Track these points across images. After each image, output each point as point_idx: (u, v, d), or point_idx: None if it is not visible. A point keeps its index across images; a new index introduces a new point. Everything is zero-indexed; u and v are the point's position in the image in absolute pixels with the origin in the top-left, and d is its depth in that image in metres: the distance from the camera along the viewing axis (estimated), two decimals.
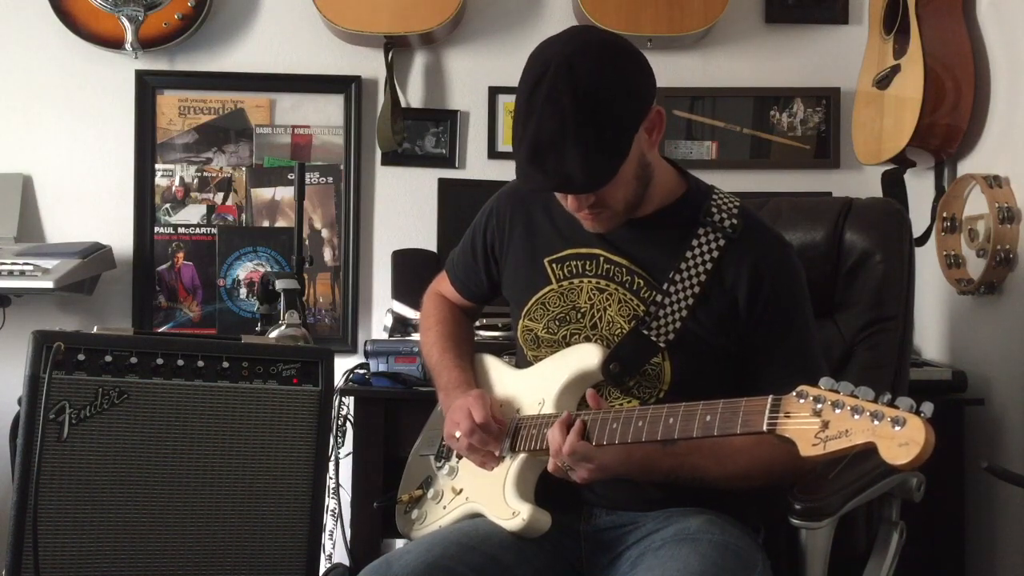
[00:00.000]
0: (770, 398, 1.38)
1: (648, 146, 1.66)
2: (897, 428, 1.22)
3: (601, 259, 1.75)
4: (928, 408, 1.23)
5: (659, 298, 1.68)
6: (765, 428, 1.36)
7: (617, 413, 1.58)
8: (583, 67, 1.57)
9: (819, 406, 1.30)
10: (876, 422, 1.24)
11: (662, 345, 1.68)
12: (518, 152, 1.60)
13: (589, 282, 1.75)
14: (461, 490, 1.81)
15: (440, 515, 1.82)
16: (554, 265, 1.79)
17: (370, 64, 3.23)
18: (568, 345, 1.76)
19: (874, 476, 1.69)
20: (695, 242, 1.70)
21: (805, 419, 1.31)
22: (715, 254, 1.69)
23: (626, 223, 1.72)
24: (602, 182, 1.60)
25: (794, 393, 1.34)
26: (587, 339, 1.74)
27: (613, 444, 1.56)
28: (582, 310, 1.75)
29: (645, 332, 1.68)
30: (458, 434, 1.75)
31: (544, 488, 1.71)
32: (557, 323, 1.77)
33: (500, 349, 2.20)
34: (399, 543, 2.02)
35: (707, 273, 1.68)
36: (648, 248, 1.72)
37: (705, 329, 1.69)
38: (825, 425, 1.29)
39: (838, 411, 1.28)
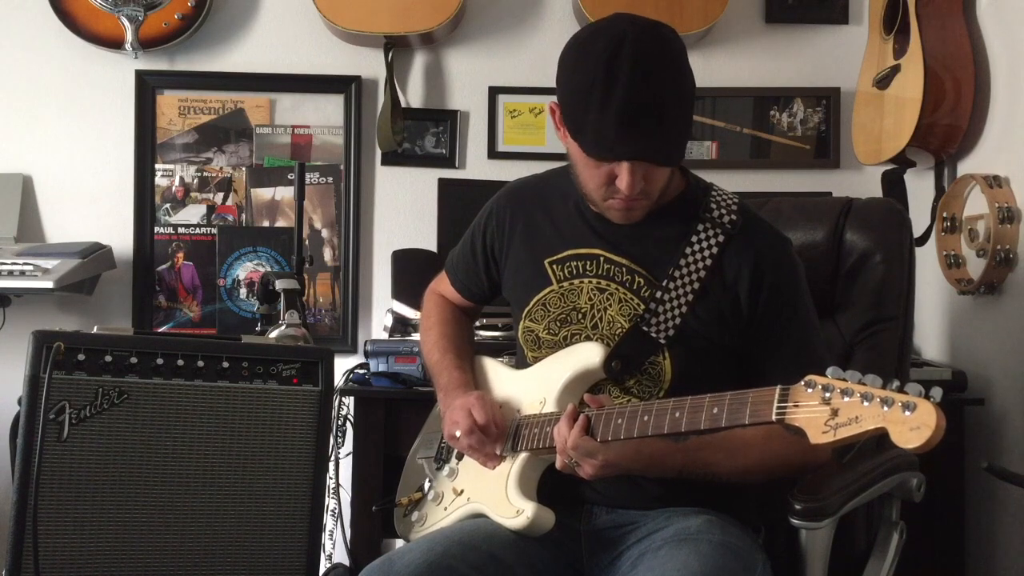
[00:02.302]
0: (778, 388, 1.37)
1: None
2: (908, 413, 1.22)
3: (601, 259, 1.75)
4: (937, 393, 1.24)
5: (659, 295, 1.69)
6: (774, 418, 1.36)
7: (622, 408, 1.58)
8: (667, 38, 1.58)
9: (828, 394, 1.30)
10: (886, 408, 1.24)
11: (662, 342, 1.68)
12: (602, 118, 1.54)
13: (590, 282, 1.75)
14: (462, 491, 1.81)
15: (441, 516, 1.82)
16: (554, 266, 1.79)
17: (370, 64, 3.23)
18: (569, 346, 1.76)
19: (874, 476, 1.69)
20: (695, 238, 1.70)
21: (814, 407, 1.31)
22: (714, 250, 1.69)
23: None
24: (681, 156, 1.62)
25: (802, 383, 1.34)
26: (588, 339, 1.74)
27: (618, 440, 1.56)
28: (583, 311, 1.75)
29: (645, 329, 1.68)
30: (458, 433, 1.75)
31: (545, 487, 1.71)
32: (558, 324, 1.77)
33: (500, 349, 2.20)
34: (399, 543, 2.02)
35: (707, 269, 1.69)
36: (648, 246, 1.73)
37: (705, 325, 1.69)
38: (835, 413, 1.29)
39: (847, 399, 1.28)
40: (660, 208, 1.72)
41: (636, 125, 1.54)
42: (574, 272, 1.77)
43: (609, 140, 1.55)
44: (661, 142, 1.56)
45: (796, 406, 1.34)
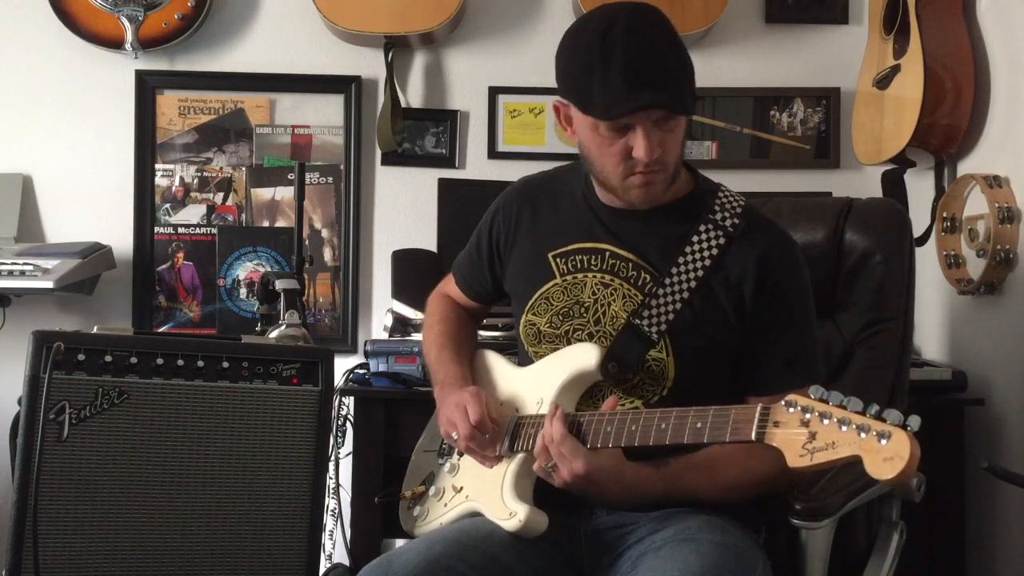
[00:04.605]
0: (759, 407, 1.38)
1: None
2: (883, 442, 1.21)
3: (607, 253, 1.75)
4: (915, 422, 1.22)
5: (656, 290, 1.69)
6: (754, 437, 1.37)
7: (611, 416, 1.58)
8: (657, 12, 1.64)
9: (807, 416, 1.30)
10: (862, 435, 1.23)
11: (655, 337, 1.68)
12: (606, 84, 1.58)
13: (594, 276, 1.75)
14: (461, 488, 1.81)
15: (441, 512, 1.82)
16: (558, 259, 1.79)
17: (370, 64, 3.23)
18: (570, 340, 1.76)
19: None
20: (695, 238, 1.71)
21: (793, 429, 1.31)
22: (714, 251, 1.70)
23: (634, 215, 1.73)
24: (692, 107, 1.63)
25: (783, 402, 1.34)
26: (590, 335, 1.74)
27: (607, 448, 1.56)
28: (585, 305, 1.75)
29: (636, 322, 1.68)
30: (455, 434, 1.75)
31: (545, 488, 1.70)
32: (560, 318, 1.77)
33: (500, 349, 2.20)
34: (399, 543, 2.02)
35: (705, 268, 1.69)
36: (654, 242, 1.73)
37: (706, 322, 1.69)
38: (812, 436, 1.28)
39: (825, 422, 1.28)
40: (669, 205, 1.74)
41: (641, 77, 1.58)
42: (578, 266, 1.77)
43: (620, 96, 1.59)
44: (670, 89, 1.60)
45: (776, 426, 1.34)
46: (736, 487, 1.65)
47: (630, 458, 1.60)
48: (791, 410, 1.32)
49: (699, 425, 1.46)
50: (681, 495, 1.64)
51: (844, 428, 1.25)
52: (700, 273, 1.69)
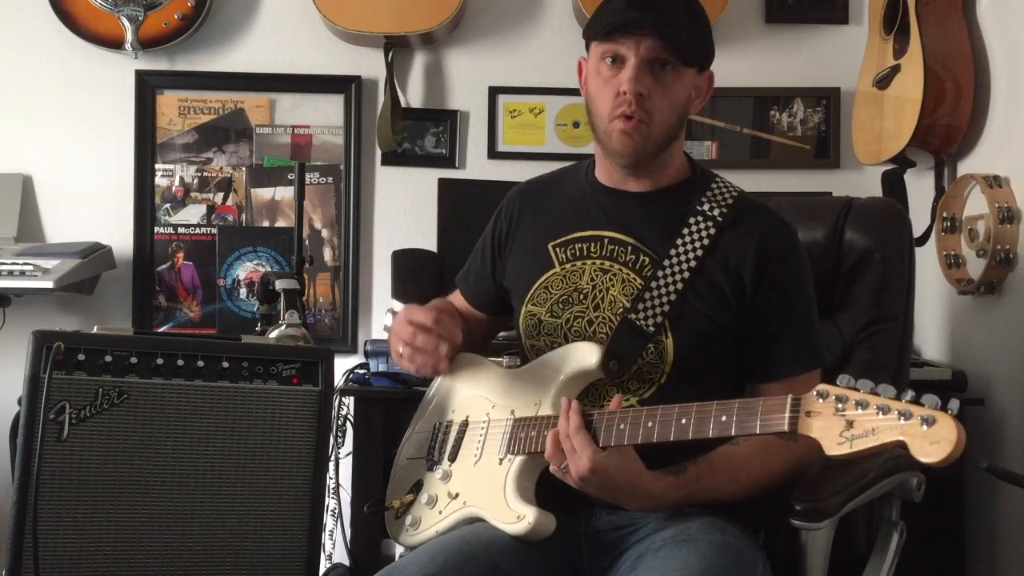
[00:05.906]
0: (789, 397, 1.36)
1: (695, 95, 1.75)
2: (926, 427, 1.21)
3: (606, 240, 1.76)
4: (955, 405, 1.23)
5: (656, 273, 1.70)
6: (787, 428, 1.35)
7: (624, 414, 1.55)
8: None
9: (841, 405, 1.29)
10: (904, 420, 1.23)
11: (652, 330, 1.68)
12: (612, 4, 1.68)
13: (592, 263, 1.76)
14: (458, 494, 1.77)
15: (436, 520, 1.78)
16: (558, 249, 1.80)
17: (370, 64, 3.23)
18: (569, 329, 1.76)
19: (874, 476, 1.69)
20: (686, 230, 1.72)
21: (828, 418, 1.30)
22: (706, 241, 1.71)
23: (633, 199, 1.75)
24: (688, 57, 1.67)
25: (814, 392, 1.33)
26: (588, 322, 1.74)
27: (620, 447, 1.54)
28: (584, 291, 1.75)
29: (633, 316, 1.69)
30: (401, 349, 1.77)
31: (545, 490, 1.69)
32: (560, 306, 1.77)
33: (500, 349, 2.20)
34: (399, 545, 2.00)
35: (698, 259, 1.70)
36: (653, 227, 1.74)
37: (704, 302, 1.69)
38: (850, 424, 1.27)
39: (862, 410, 1.27)
40: (668, 188, 1.76)
41: (644, 3, 1.65)
42: (577, 254, 1.78)
43: (617, 13, 1.66)
44: (671, 28, 1.64)
45: (808, 416, 1.33)
46: (758, 484, 1.64)
47: (644, 459, 1.58)
48: (823, 400, 1.31)
49: (724, 419, 1.43)
50: (702, 499, 1.63)
51: (883, 415, 1.24)
52: (694, 264, 1.70)
